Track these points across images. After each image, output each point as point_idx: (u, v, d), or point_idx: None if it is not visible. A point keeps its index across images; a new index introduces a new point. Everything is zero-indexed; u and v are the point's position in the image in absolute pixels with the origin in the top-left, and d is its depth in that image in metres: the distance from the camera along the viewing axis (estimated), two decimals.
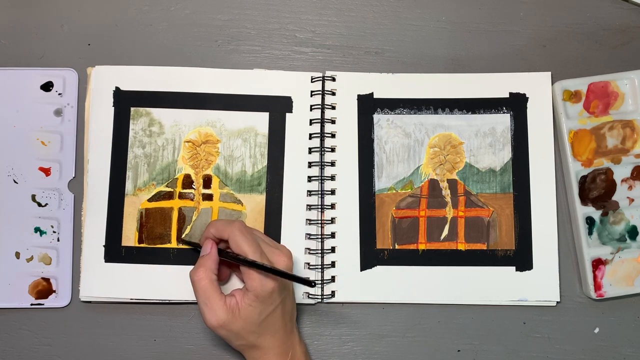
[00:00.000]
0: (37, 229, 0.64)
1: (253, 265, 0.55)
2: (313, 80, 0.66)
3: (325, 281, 0.64)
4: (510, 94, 0.66)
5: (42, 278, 0.64)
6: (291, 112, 0.66)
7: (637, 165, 0.65)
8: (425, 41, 0.68)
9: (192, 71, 0.66)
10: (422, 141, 0.66)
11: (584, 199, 0.64)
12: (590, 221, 0.64)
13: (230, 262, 0.59)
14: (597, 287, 0.64)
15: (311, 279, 0.57)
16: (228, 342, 0.58)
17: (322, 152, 0.65)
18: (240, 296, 0.56)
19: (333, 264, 0.64)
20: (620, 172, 0.65)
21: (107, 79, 0.66)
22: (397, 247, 0.64)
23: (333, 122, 0.66)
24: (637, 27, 0.68)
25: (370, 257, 0.64)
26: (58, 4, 0.68)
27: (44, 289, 0.64)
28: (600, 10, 0.68)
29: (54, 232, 0.65)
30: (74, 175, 0.65)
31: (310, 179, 0.65)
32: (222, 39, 0.68)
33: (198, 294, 0.56)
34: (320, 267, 0.64)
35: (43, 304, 0.64)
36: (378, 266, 0.64)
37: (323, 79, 0.66)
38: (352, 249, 0.64)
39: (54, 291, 0.64)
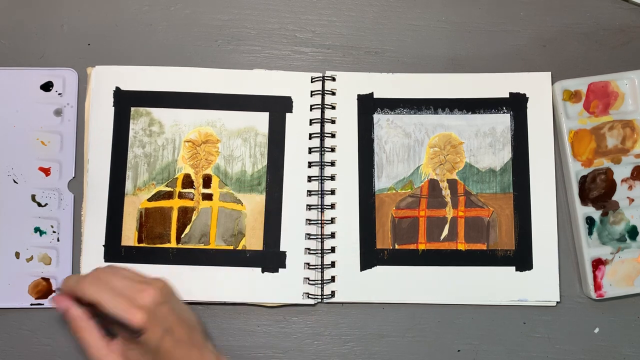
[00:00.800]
0: (37, 229, 0.64)
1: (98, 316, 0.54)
2: (313, 80, 0.66)
3: (325, 281, 0.64)
4: (510, 94, 0.66)
5: (42, 278, 0.64)
6: (291, 112, 0.66)
7: (637, 165, 0.65)
8: (425, 41, 0.68)
9: (192, 71, 0.66)
10: (422, 141, 0.66)
11: (584, 199, 0.64)
12: (590, 221, 0.64)
13: None
14: (597, 287, 0.63)
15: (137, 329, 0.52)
16: None
17: (322, 152, 0.65)
18: (125, 352, 0.54)
19: (333, 264, 0.64)
20: (620, 172, 0.65)
21: (107, 79, 0.66)
22: (397, 247, 0.64)
23: (333, 122, 0.66)
24: (637, 27, 0.68)
25: (370, 257, 0.64)
26: (58, 4, 0.68)
27: (44, 289, 0.64)
28: (600, 10, 0.68)
29: (54, 232, 0.65)
30: (74, 175, 0.65)
31: (310, 178, 0.65)
32: (222, 39, 0.68)
33: (93, 359, 0.53)
34: (320, 267, 0.64)
35: (43, 304, 0.64)
36: (378, 266, 0.64)
37: (323, 79, 0.66)
38: (352, 249, 0.64)
39: (54, 291, 0.64)
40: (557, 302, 0.64)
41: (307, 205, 0.65)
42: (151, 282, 0.55)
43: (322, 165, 0.65)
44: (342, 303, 0.65)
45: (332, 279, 0.64)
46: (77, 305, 0.55)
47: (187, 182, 0.65)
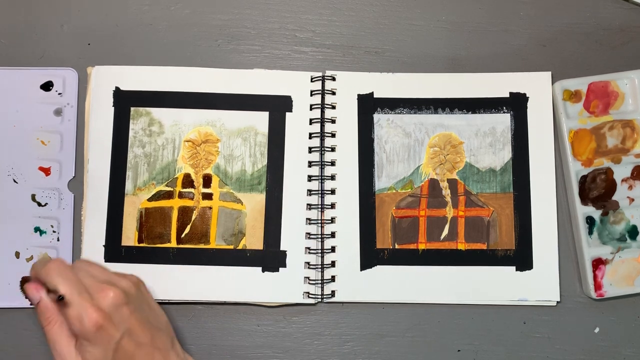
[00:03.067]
0: (37, 229, 0.64)
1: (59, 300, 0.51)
2: (313, 79, 0.66)
3: (325, 281, 0.64)
4: (511, 93, 0.66)
5: None
6: (291, 111, 0.66)
7: (637, 165, 0.65)
8: (425, 41, 0.68)
9: (192, 71, 0.66)
10: (422, 141, 0.66)
11: (584, 199, 0.64)
12: (590, 221, 0.64)
13: None
14: (597, 287, 0.63)
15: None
16: None
17: (322, 152, 0.65)
18: (77, 346, 0.52)
19: (333, 264, 0.64)
20: (621, 171, 0.65)
21: (107, 79, 0.66)
22: (397, 246, 0.64)
23: (333, 121, 0.66)
24: (637, 27, 0.68)
25: (370, 256, 0.64)
26: (58, 4, 0.68)
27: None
28: (600, 10, 0.68)
29: (54, 231, 0.65)
30: (74, 175, 0.65)
31: (310, 178, 0.65)
32: (222, 39, 0.68)
33: (56, 354, 0.52)
34: (320, 266, 0.64)
35: None
36: (378, 266, 0.64)
37: (323, 79, 0.66)
38: (352, 249, 0.64)
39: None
40: (557, 302, 0.64)
41: (307, 204, 0.65)
42: (118, 281, 0.54)
43: (322, 164, 0.65)
44: (342, 303, 0.65)
45: (332, 279, 0.64)
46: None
47: (187, 181, 0.65)
